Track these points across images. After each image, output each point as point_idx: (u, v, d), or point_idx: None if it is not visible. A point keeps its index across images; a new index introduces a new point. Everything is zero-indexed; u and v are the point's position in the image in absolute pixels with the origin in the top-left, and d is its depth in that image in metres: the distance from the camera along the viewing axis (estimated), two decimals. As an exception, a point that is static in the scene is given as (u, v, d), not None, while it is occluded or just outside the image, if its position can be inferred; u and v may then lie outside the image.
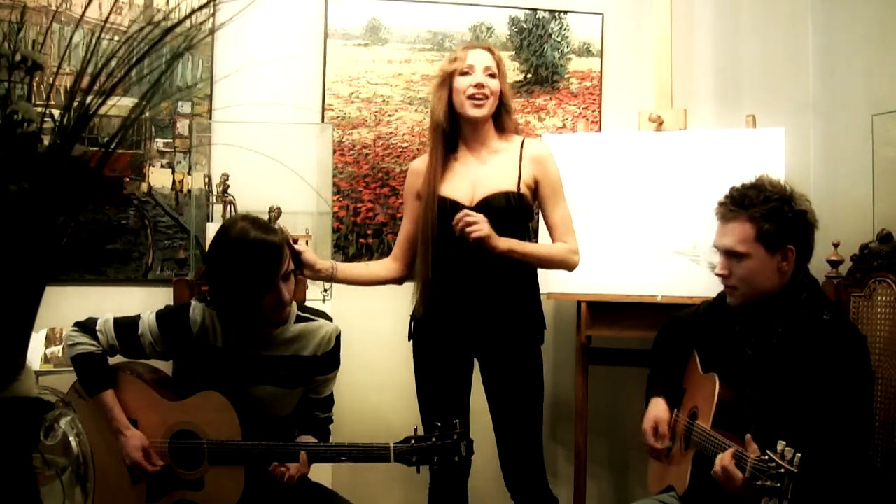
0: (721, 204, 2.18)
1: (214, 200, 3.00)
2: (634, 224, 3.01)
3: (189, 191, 3.09)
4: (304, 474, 2.29)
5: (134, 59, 0.86)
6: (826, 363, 2.01)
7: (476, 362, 2.62)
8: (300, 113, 3.14)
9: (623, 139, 3.10)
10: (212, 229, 2.89)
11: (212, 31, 2.61)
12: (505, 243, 2.44)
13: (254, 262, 2.18)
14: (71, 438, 0.85)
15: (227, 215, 2.95)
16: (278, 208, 2.95)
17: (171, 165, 3.09)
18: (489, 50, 2.57)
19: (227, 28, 1.00)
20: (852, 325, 2.14)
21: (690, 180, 2.93)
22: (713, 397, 2.15)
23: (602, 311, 3.07)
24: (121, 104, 0.93)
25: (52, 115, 0.87)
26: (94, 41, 0.84)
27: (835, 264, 2.55)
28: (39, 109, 0.87)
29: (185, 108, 3.11)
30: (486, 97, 2.49)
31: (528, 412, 2.55)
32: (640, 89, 3.35)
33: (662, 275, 2.96)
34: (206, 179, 3.03)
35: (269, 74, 3.03)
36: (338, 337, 2.42)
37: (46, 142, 0.87)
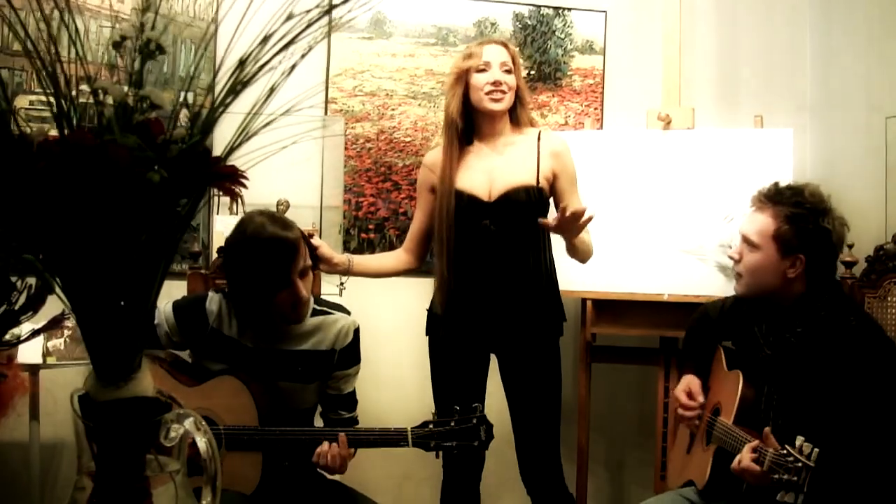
0: (757, 192, 2.21)
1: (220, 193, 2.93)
2: (641, 222, 3.01)
3: (192, 182, 3.02)
4: (344, 457, 2.22)
5: (268, 56, 0.84)
6: (853, 367, 2.02)
7: (494, 358, 2.61)
8: (303, 105, 3.08)
9: (630, 137, 3.10)
10: (218, 222, 2.84)
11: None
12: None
13: (269, 257, 2.15)
14: (198, 438, 0.82)
15: (234, 208, 2.89)
16: (286, 202, 2.90)
17: (173, 157, 3.01)
18: (504, 45, 2.56)
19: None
20: (880, 329, 2.15)
21: (698, 179, 2.95)
22: (736, 394, 2.18)
23: (606, 309, 3.07)
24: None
25: (187, 105, 0.85)
26: (235, 35, 0.82)
27: (849, 265, 2.58)
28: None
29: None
30: (504, 93, 2.50)
31: (547, 407, 2.55)
32: (643, 87, 3.35)
33: (669, 273, 2.96)
34: (213, 171, 2.95)
35: (273, 66, 2.96)
36: (356, 331, 2.37)
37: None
